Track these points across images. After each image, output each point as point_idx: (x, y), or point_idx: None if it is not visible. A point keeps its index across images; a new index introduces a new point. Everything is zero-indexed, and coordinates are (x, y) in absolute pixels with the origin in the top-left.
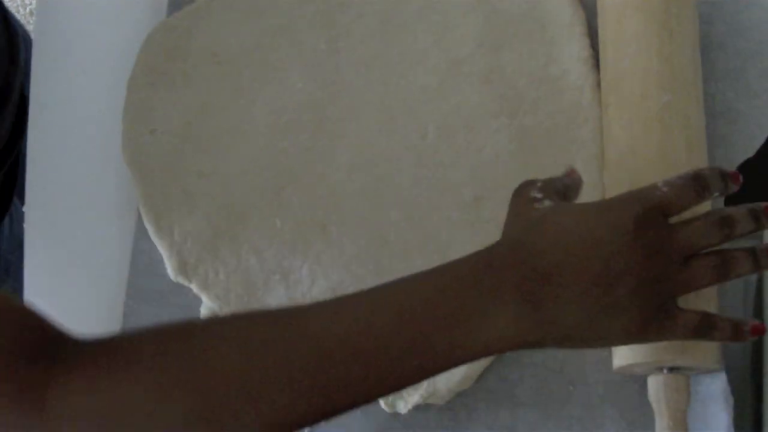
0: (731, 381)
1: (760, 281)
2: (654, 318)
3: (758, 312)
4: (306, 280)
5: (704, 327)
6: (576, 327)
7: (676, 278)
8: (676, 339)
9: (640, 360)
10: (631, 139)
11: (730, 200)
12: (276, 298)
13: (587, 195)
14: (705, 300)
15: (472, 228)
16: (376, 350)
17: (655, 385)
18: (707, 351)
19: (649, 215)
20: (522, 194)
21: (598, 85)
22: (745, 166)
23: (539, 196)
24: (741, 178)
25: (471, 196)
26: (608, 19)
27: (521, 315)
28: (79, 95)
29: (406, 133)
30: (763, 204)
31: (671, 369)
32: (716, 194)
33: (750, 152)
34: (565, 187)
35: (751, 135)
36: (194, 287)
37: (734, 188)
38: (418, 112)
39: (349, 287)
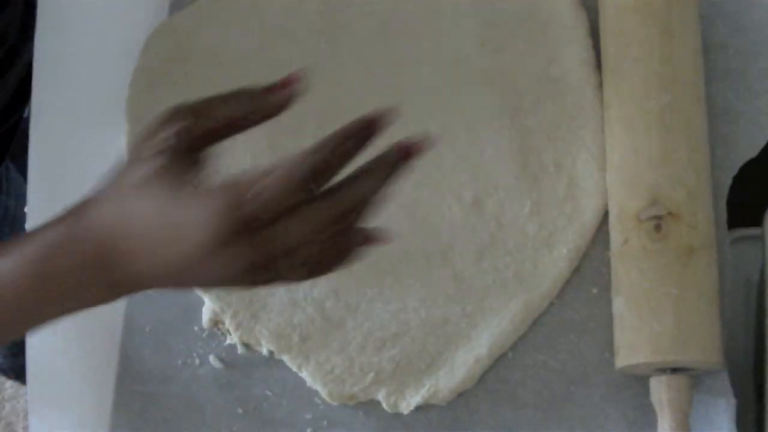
0: (733, 381)
1: (761, 281)
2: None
3: (760, 312)
4: (307, 281)
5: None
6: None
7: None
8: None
9: (642, 360)
10: (633, 139)
11: (733, 199)
12: (277, 298)
13: (587, 195)
14: (706, 299)
15: (473, 228)
16: None
17: (657, 385)
18: (709, 351)
19: (246, 225)
20: (157, 130)
21: (600, 86)
22: (748, 167)
23: (163, 146)
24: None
25: (472, 196)
26: (609, 20)
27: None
28: (81, 96)
29: (407, 134)
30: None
31: (674, 370)
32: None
33: (751, 152)
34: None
35: (752, 135)
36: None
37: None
38: (419, 113)
39: (350, 287)
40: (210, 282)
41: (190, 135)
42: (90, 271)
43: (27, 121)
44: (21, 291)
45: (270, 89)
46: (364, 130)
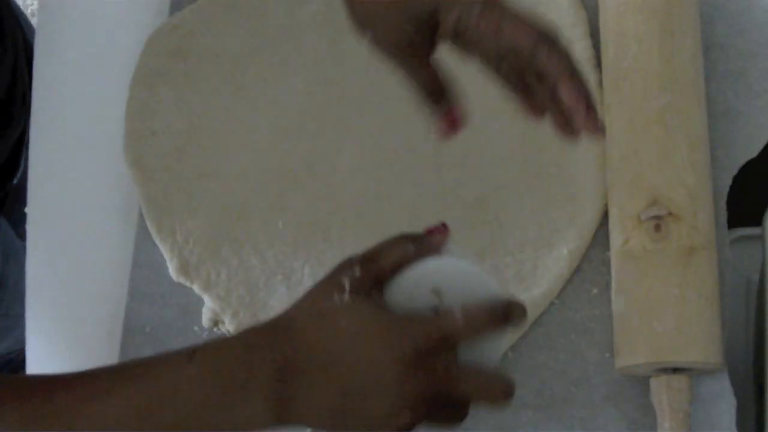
0: (733, 381)
1: (761, 281)
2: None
3: (760, 311)
4: (307, 281)
5: None
6: (316, 418)
7: (420, 412)
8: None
9: (642, 361)
10: (633, 139)
11: (733, 199)
12: (277, 298)
13: (587, 195)
14: (706, 300)
15: (474, 228)
16: None
17: (657, 385)
18: (709, 351)
19: (431, 350)
20: (336, 274)
21: (600, 85)
22: (748, 167)
23: (346, 285)
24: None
25: (472, 196)
26: (610, 20)
27: (264, 412)
28: (81, 96)
29: (408, 134)
30: None
31: (674, 370)
32: (512, 326)
33: (751, 152)
34: (400, 257)
35: (752, 135)
36: (196, 288)
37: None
38: (420, 113)
39: None
40: (377, 416)
41: (364, 281)
42: (269, 401)
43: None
44: (204, 402)
45: (427, 234)
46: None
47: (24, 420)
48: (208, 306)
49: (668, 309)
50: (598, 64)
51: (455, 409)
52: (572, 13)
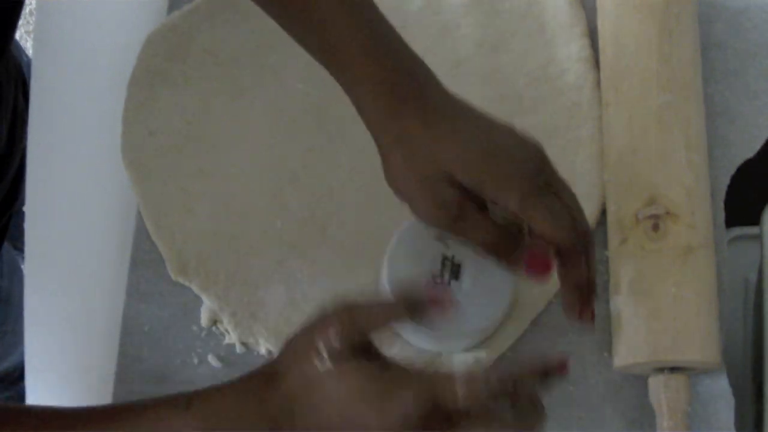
0: (732, 381)
1: (759, 280)
2: None
3: (758, 310)
4: (306, 281)
5: None
6: None
7: None
8: None
9: (641, 360)
10: (631, 138)
11: (730, 199)
12: (276, 298)
13: (585, 194)
14: (705, 299)
15: None
16: None
17: (655, 385)
18: (708, 351)
19: (430, 415)
20: (312, 335)
21: (598, 84)
22: (745, 167)
23: (323, 353)
24: (567, 368)
25: None
26: (608, 19)
27: None
28: (79, 96)
29: None
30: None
31: (672, 369)
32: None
33: (749, 152)
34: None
35: (750, 135)
36: (194, 287)
37: (558, 379)
38: None
39: (349, 287)
40: None
41: (342, 351)
42: None
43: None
44: None
45: (429, 302)
46: (545, 374)
47: None
48: (207, 305)
49: (666, 308)
50: (596, 64)
51: None
52: (570, 12)
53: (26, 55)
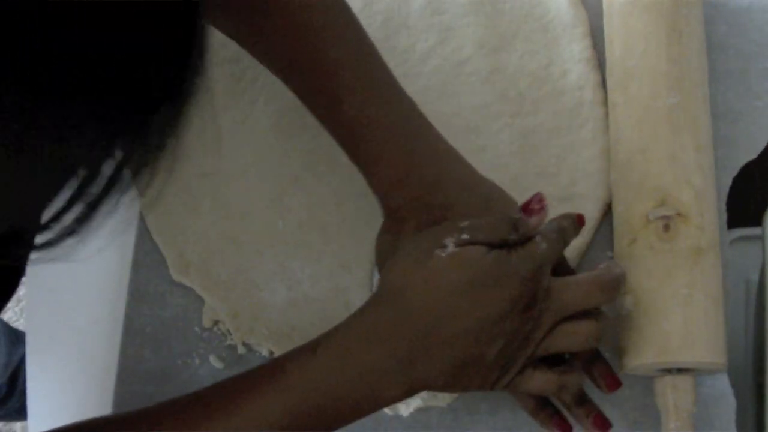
0: (733, 382)
1: (761, 281)
2: (510, 374)
3: (759, 311)
4: (307, 281)
5: (552, 389)
6: (442, 380)
7: (539, 343)
8: (526, 391)
9: (651, 360)
10: (640, 139)
11: (732, 200)
12: (278, 298)
13: (588, 194)
14: (713, 300)
15: None
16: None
17: (662, 386)
18: (716, 352)
19: (535, 277)
20: (438, 235)
21: (600, 85)
22: (748, 168)
23: (449, 242)
24: (583, 219)
25: None
26: (615, 18)
27: (399, 381)
28: None
29: None
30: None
31: (678, 370)
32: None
33: (751, 153)
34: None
35: (753, 136)
36: (196, 288)
37: (579, 231)
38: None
39: (350, 288)
40: (489, 354)
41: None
42: (401, 372)
43: None
44: (351, 389)
45: (524, 210)
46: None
47: None
48: (208, 306)
49: (676, 309)
50: (598, 64)
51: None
52: (572, 12)
53: None
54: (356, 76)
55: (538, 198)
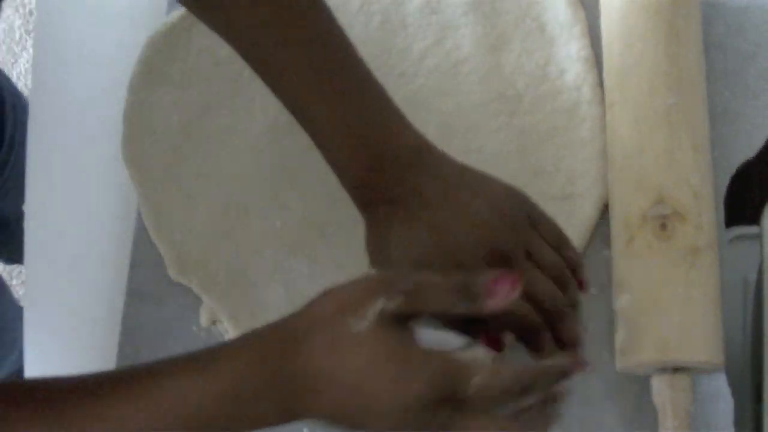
0: (730, 381)
1: (758, 280)
2: None
3: (757, 311)
4: (305, 281)
5: None
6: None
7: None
8: None
9: (648, 359)
10: (638, 138)
11: (730, 199)
12: (276, 298)
13: (585, 194)
14: (710, 299)
15: None
16: None
17: (659, 385)
18: (714, 351)
19: (442, 398)
20: (360, 295)
21: (598, 84)
22: (746, 167)
23: (369, 314)
24: (585, 364)
25: None
26: (613, 17)
27: (275, 415)
28: (80, 96)
29: None
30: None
31: (675, 369)
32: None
33: (748, 153)
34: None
35: (750, 136)
36: (194, 287)
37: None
38: (418, 112)
39: None
40: None
41: (400, 311)
42: (280, 407)
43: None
44: (215, 413)
45: (486, 287)
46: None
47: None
48: (206, 305)
49: (674, 308)
50: (596, 64)
51: None
52: (570, 12)
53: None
54: (306, 75)
55: (512, 280)
